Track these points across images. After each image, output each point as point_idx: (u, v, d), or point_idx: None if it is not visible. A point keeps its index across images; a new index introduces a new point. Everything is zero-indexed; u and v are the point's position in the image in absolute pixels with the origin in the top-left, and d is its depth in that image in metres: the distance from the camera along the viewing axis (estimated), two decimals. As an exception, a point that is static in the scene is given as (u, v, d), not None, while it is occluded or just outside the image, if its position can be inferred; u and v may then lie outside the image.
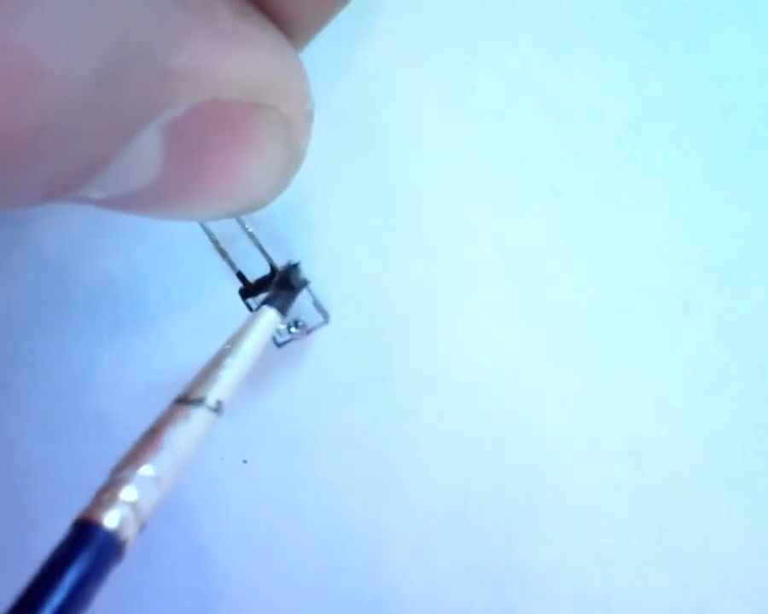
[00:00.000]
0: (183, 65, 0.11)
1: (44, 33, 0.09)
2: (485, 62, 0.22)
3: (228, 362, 0.16)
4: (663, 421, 0.21)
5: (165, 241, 0.24)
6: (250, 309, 0.22)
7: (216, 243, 0.22)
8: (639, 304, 0.21)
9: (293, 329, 0.22)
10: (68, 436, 0.25)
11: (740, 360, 0.20)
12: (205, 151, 0.12)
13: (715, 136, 0.20)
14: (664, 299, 0.21)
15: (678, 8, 0.20)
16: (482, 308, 0.22)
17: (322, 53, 0.21)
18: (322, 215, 0.23)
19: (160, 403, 0.15)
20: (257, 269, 0.22)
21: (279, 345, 0.23)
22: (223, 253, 0.22)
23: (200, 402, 0.15)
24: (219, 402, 0.15)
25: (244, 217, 0.22)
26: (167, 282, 0.24)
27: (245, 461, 0.24)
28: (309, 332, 0.22)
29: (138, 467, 0.13)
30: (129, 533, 0.12)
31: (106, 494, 0.13)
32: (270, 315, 0.19)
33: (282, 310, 0.20)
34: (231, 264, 0.22)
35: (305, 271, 0.22)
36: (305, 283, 0.22)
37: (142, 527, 0.13)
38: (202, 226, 0.22)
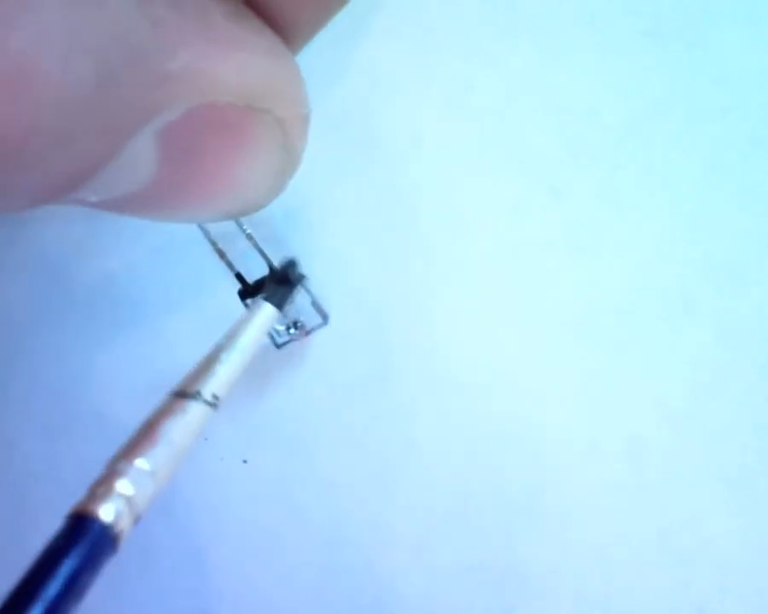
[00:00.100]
0: (179, 68, 0.11)
1: (41, 36, 0.09)
2: (485, 62, 0.22)
3: (224, 356, 0.16)
4: (663, 421, 0.21)
5: (164, 241, 0.24)
6: (249, 309, 0.22)
7: (214, 244, 0.22)
8: (639, 304, 0.21)
9: (292, 330, 0.22)
10: (68, 436, 0.25)
11: (740, 360, 0.20)
12: (200, 154, 0.12)
13: (715, 136, 0.20)
14: (664, 299, 0.21)
15: (678, 8, 0.20)
16: (482, 308, 0.22)
17: (321, 52, 0.21)
18: (321, 215, 0.23)
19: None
20: (256, 270, 0.22)
21: (278, 346, 0.23)
22: (221, 254, 0.22)
23: (196, 395, 0.15)
24: (216, 396, 0.15)
25: (242, 218, 0.22)
26: (167, 282, 0.24)
27: (245, 461, 0.24)
28: (308, 333, 0.22)
29: (134, 460, 0.13)
30: (123, 526, 0.12)
31: (101, 487, 0.13)
32: (266, 310, 0.19)
33: (280, 306, 0.20)
34: (230, 265, 0.22)
35: (304, 270, 0.22)
36: (301, 278, 0.22)
37: (137, 520, 0.13)
38: (200, 226, 0.22)
